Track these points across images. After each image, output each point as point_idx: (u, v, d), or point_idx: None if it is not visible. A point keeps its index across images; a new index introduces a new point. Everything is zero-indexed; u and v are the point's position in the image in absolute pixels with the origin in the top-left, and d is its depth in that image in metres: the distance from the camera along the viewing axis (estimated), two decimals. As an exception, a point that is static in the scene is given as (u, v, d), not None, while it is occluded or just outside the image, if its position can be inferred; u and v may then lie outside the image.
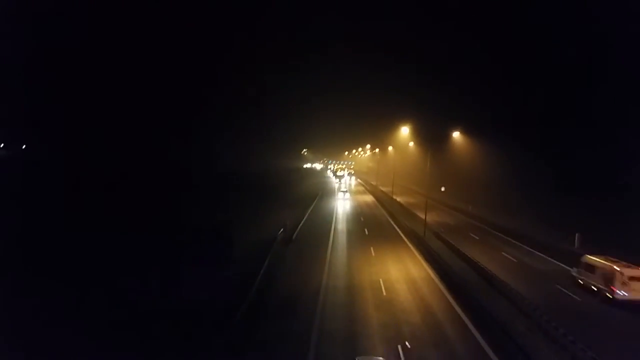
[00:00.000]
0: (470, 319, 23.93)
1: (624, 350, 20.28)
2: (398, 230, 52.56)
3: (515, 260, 38.99)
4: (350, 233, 49.16)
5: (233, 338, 19.88)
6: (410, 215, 62.60)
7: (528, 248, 43.91)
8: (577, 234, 43.48)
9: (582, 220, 45.17)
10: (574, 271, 31.20)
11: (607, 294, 26.94)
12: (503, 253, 41.32)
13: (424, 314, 24.68)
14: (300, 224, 51.28)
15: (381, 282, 30.05)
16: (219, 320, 21.09)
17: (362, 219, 60.33)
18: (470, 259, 35.99)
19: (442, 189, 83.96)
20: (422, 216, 49.49)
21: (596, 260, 28.88)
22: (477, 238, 48.88)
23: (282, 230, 42.61)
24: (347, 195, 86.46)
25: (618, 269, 26.70)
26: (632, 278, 26.14)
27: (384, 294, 27.90)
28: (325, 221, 56.48)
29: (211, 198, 55.85)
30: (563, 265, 36.25)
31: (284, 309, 24.51)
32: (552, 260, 39.12)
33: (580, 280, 30.22)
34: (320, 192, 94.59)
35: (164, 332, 19.56)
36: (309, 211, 63.61)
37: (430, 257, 37.33)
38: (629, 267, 26.94)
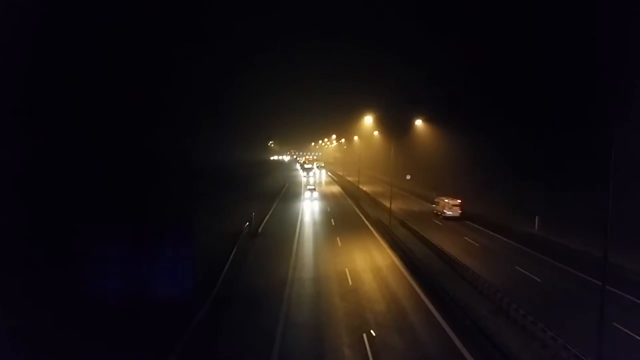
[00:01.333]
0: (434, 304, 24.36)
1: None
2: (364, 219, 52.95)
3: (477, 244, 39.89)
4: (316, 224, 49.21)
5: (198, 331, 19.60)
6: (376, 204, 63.18)
7: (489, 232, 45.01)
8: (537, 217, 44.83)
9: (541, 203, 46.60)
10: (433, 207, 56.46)
11: (444, 214, 52.65)
12: (465, 237, 42.20)
13: (389, 301, 24.95)
14: (267, 217, 51.00)
15: (347, 272, 30.22)
16: (182, 314, 20.73)
17: (328, 209, 60.49)
18: (433, 245, 36.60)
19: (408, 177, 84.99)
20: (388, 205, 49.98)
21: (439, 198, 55.58)
22: (441, 224, 49.73)
23: (247, 223, 42.28)
24: (315, 194, 71.03)
25: (446, 200, 53.14)
26: (453, 205, 52.30)
27: (350, 283, 28.06)
28: (292, 213, 56.36)
29: (176, 190, 54.68)
30: (521, 246, 37.42)
31: (249, 302, 24.33)
32: (511, 242, 40.27)
33: (434, 210, 55.65)
34: (287, 184, 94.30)
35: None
36: (275, 204, 63.33)
37: (396, 245, 37.76)
38: (452, 199, 53.00)
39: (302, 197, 66.10)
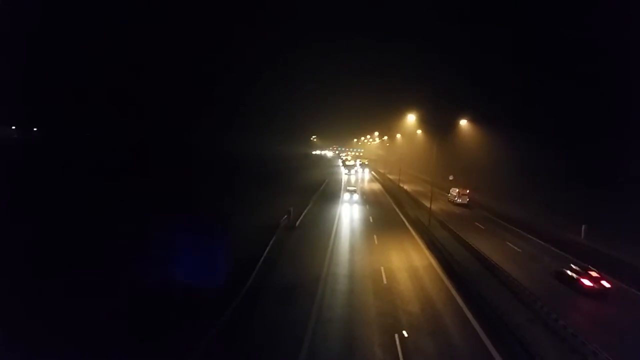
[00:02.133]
0: (470, 309, 23.81)
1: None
2: (403, 218, 52.34)
3: (518, 249, 38.69)
4: (354, 221, 49.03)
5: (232, 321, 19.94)
6: (416, 203, 62.34)
7: (533, 238, 43.57)
8: (583, 226, 43.06)
9: (589, 210, 44.72)
10: (449, 196, 66.39)
11: (455, 201, 64.06)
12: (507, 243, 41.01)
13: (424, 303, 24.58)
14: (305, 211, 51.23)
15: (382, 270, 29.97)
16: (218, 304, 21.13)
17: (367, 206, 60.14)
18: (473, 249, 35.78)
19: (450, 177, 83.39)
20: (428, 204, 49.20)
21: (453, 188, 66.41)
22: (483, 227, 48.54)
23: (286, 216, 42.62)
24: (356, 197, 63.33)
25: (457, 190, 64.76)
26: (462, 194, 63.72)
27: (385, 282, 27.83)
28: (330, 208, 56.38)
29: (219, 185, 55.79)
30: (566, 255, 36.04)
31: (284, 295, 24.51)
32: (556, 250, 38.83)
33: (449, 199, 66.19)
34: (327, 180, 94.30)
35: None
36: (315, 198, 63.49)
37: (434, 246, 37.15)
38: (463, 189, 64.21)
39: (340, 200, 62.66)
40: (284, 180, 78.63)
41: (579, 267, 29.06)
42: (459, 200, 63.57)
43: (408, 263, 32.63)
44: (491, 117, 67.30)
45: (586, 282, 27.23)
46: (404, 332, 20.52)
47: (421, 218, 47.83)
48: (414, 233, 43.67)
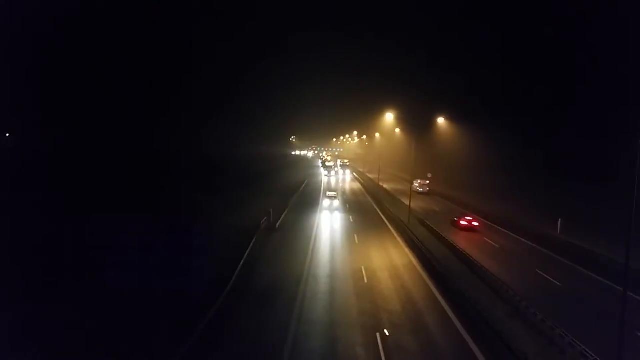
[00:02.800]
0: (450, 307, 24.00)
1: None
2: (383, 217, 52.59)
3: (497, 245, 39.23)
4: (334, 221, 49.05)
5: (212, 325, 19.70)
6: (396, 202, 62.69)
7: (510, 233, 44.23)
8: (559, 220, 43.85)
9: (566, 205, 45.59)
10: (413, 187, 61.58)
11: (417, 189, 72.29)
12: (485, 238, 41.53)
13: (405, 301, 24.69)
14: (285, 212, 51.05)
15: (363, 270, 30.02)
16: (199, 307, 20.87)
17: (347, 205, 60.25)
18: (452, 245, 36.13)
19: (429, 175, 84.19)
20: (408, 203, 49.52)
21: (415, 180, 73.40)
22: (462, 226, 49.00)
23: (265, 218, 42.40)
24: (337, 203, 57.42)
25: (419, 181, 76.82)
26: (422, 184, 76.63)
27: (366, 281, 27.87)
28: (310, 209, 56.33)
29: (197, 187, 55.30)
30: (541, 249, 36.74)
31: (265, 297, 24.35)
32: (532, 244, 39.54)
33: (414, 188, 65.20)
34: (307, 180, 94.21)
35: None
36: (294, 198, 63.35)
37: (413, 244, 37.38)
38: (423, 180, 77.44)
39: (319, 204, 59.13)
40: (263, 182, 78.30)
41: (461, 215, 47.67)
42: (420, 190, 75.86)
43: (389, 262, 32.77)
44: (468, 114, 68.21)
45: (462, 222, 44.66)
46: (386, 331, 20.56)
47: (401, 216, 48.10)
48: (394, 231, 43.89)
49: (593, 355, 16.83)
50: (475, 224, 43.07)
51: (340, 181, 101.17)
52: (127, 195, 40.01)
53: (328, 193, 59.78)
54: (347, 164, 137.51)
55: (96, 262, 24.14)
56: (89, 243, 26.29)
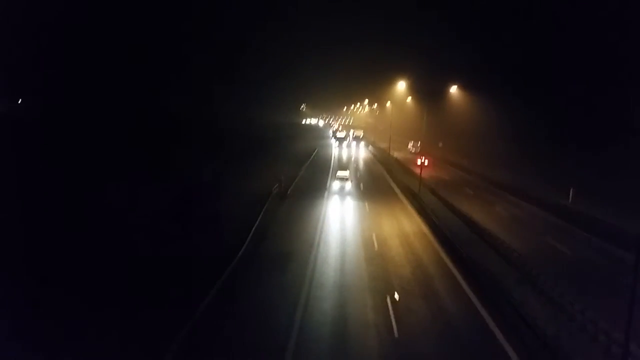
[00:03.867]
0: (460, 273, 24.24)
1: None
2: (393, 185, 52.62)
3: (507, 214, 39.22)
4: (345, 188, 49.09)
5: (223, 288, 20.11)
6: (406, 171, 62.56)
7: (522, 202, 44.13)
8: (571, 189, 43.58)
9: (578, 174, 45.22)
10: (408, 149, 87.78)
11: (411, 150, 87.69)
12: (496, 207, 41.54)
13: (415, 267, 24.97)
14: (296, 180, 51.23)
15: (374, 237, 30.27)
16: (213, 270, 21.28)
17: (358, 174, 60.28)
18: (462, 214, 36.19)
19: (440, 144, 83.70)
20: (418, 172, 49.42)
21: (410, 142, 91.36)
22: (472, 193, 49.03)
23: (277, 185, 42.63)
24: (349, 186, 45.89)
25: (412, 143, 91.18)
26: (414, 145, 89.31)
27: (376, 248, 28.15)
28: (321, 176, 56.43)
29: (206, 153, 55.42)
30: (551, 217, 36.79)
31: (278, 261, 24.75)
32: (543, 213, 39.50)
33: (409, 150, 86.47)
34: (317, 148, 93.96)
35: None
36: (305, 167, 63.42)
37: (424, 213, 37.49)
38: (416, 142, 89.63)
39: (329, 177, 51.83)
40: (275, 150, 78.29)
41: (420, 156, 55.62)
42: (413, 150, 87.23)
43: (399, 229, 32.98)
44: (482, 83, 67.10)
45: (418, 161, 48.58)
46: (396, 295, 20.89)
47: (411, 185, 48.10)
48: (404, 200, 43.98)
49: (601, 323, 17.05)
50: (426, 162, 49.76)
51: (351, 151, 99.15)
52: (135, 160, 40.22)
53: (339, 172, 48.07)
54: (361, 136, 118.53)
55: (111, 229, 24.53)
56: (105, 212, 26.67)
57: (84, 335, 14.55)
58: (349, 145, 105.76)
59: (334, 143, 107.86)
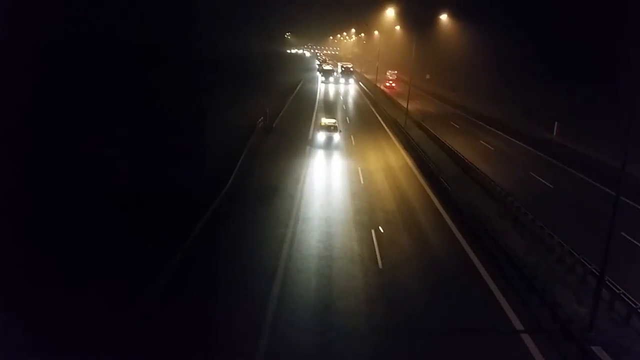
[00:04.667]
0: (444, 206, 24.64)
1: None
2: (380, 119, 52.25)
3: (492, 148, 39.49)
4: (333, 140, 48.55)
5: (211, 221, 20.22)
6: (393, 104, 62.02)
7: (506, 136, 44.36)
8: (555, 123, 43.79)
9: (564, 109, 45.21)
10: (386, 76, 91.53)
11: (389, 77, 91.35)
12: (481, 141, 41.73)
13: (399, 201, 25.29)
14: (281, 113, 50.46)
15: (359, 171, 30.37)
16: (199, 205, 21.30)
17: (344, 107, 59.59)
18: (447, 147, 36.31)
19: (427, 76, 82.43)
20: (405, 104, 48.97)
21: (388, 72, 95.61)
22: (458, 127, 49.02)
23: (262, 118, 41.94)
24: (337, 138, 37.24)
25: (389, 71, 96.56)
26: (392, 73, 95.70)
27: (362, 182, 28.31)
28: (307, 109, 55.66)
29: (185, 81, 53.63)
30: (536, 152, 37.22)
31: (264, 195, 24.85)
32: (528, 147, 39.86)
33: (386, 78, 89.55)
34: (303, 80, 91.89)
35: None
36: (290, 100, 62.30)
37: (410, 146, 37.53)
38: (392, 71, 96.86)
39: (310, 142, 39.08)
40: (259, 80, 76.38)
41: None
42: (391, 78, 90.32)
43: (385, 163, 33.09)
44: (472, 10, 64.92)
45: (387, 83, 71.19)
46: (380, 228, 21.26)
47: (398, 118, 47.79)
48: (390, 133, 43.86)
49: (579, 254, 17.64)
50: (394, 85, 57.46)
51: (343, 95, 77.08)
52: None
53: (323, 119, 40.39)
54: (351, 68, 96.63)
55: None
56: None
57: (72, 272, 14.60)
58: (337, 81, 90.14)
59: (319, 78, 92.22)
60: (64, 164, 18.30)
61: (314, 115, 51.14)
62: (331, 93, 74.92)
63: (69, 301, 12.54)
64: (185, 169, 24.96)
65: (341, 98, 67.17)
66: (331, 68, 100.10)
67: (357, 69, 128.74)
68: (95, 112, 19.91)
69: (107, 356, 11.42)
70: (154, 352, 12.23)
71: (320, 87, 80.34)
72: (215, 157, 29.02)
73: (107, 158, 20.95)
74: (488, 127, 49.03)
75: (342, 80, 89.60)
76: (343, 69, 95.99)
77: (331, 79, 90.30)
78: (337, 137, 37.14)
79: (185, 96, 29.37)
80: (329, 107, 52.27)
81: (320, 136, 37.42)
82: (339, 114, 53.12)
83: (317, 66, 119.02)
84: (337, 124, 39.59)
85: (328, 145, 37.03)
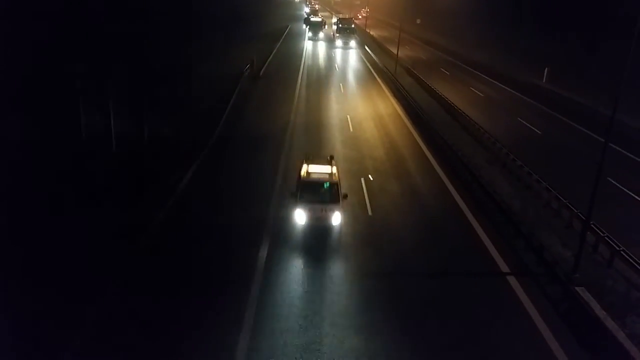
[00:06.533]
0: (433, 154, 24.61)
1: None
2: (369, 66, 51.24)
3: (482, 94, 39.17)
4: (320, 69, 47.74)
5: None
6: (383, 50, 60.70)
7: (496, 82, 43.93)
8: (546, 68, 43.34)
9: (554, 56, 44.64)
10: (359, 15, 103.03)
11: (362, 14, 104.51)
12: (471, 88, 41.31)
13: (388, 149, 25.17)
14: (269, 59, 49.25)
15: (349, 119, 30.05)
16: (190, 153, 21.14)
17: (332, 54, 58.22)
18: (437, 95, 35.94)
19: (418, 21, 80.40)
20: (395, 51, 47.96)
21: (362, 10, 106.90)
22: (448, 73, 48.36)
23: (248, 65, 40.96)
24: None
25: (363, 9, 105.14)
26: (365, 11, 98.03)
27: (351, 130, 28.06)
28: (295, 55, 54.32)
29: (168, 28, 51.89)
30: (525, 98, 37.13)
31: (254, 143, 24.63)
32: (517, 93, 39.64)
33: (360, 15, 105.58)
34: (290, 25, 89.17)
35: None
36: (278, 45, 60.65)
37: (399, 94, 37.07)
38: (364, 10, 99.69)
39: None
40: (246, 27, 73.99)
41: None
42: (364, 14, 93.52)
43: (374, 111, 32.71)
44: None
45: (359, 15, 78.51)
46: (370, 176, 21.25)
47: (387, 65, 46.91)
48: (380, 81, 43.16)
49: (566, 199, 17.87)
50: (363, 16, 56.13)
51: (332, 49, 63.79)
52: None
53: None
54: (353, 26, 68.13)
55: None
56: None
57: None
58: (331, 42, 67.91)
59: (306, 33, 72.69)
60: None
61: (303, 58, 50.01)
62: (320, 51, 62.00)
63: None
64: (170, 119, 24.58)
65: (329, 51, 65.13)
66: (321, 20, 76.30)
67: (345, 15, 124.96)
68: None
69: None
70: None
71: (307, 47, 61.82)
72: (203, 105, 28.51)
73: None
74: (478, 73, 48.43)
75: (338, 41, 64.56)
76: (340, 25, 66.82)
77: (321, 34, 71.77)
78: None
79: (172, 46, 28.39)
80: (318, 67, 50.95)
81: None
82: (328, 63, 52.00)
83: (305, 15, 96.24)
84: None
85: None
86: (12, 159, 14.87)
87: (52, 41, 16.63)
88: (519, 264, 15.04)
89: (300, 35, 72.19)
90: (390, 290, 13.50)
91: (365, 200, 18.87)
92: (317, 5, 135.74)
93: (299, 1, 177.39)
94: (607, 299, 13.29)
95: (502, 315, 12.80)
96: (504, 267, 14.84)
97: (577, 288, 13.26)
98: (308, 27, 74.11)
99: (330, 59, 54.05)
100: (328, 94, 36.80)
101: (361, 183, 20.49)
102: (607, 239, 15.19)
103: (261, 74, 42.19)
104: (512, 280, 14.19)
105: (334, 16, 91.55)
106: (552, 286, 13.74)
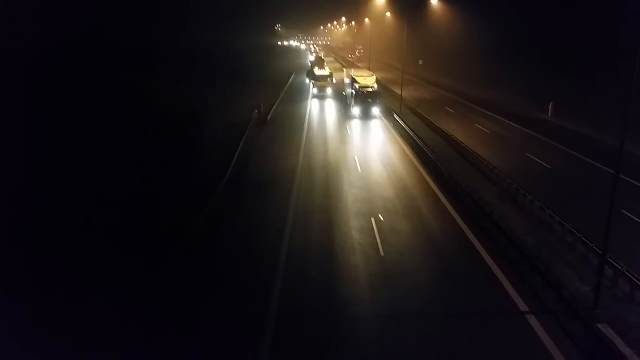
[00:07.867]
0: (442, 192, 24.53)
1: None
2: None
3: (487, 131, 39.39)
4: (326, 112, 48.45)
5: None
6: (387, 91, 61.64)
7: (502, 119, 44.23)
8: (550, 104, 43.72)
9: (558, 91, 45.13)
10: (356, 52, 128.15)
11: (356, 54, 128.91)
12: (477, 125, 41.59)
13: (398, 188, 25.17)
14: (275, 105, 50.13)
15: (357, 160, 30.24)
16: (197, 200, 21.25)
17: (338, 95, 59.11)
18: (444, 133, 36.19)
19: (420, 62, 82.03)
20: (399, 92, 48.71)
21: (356, 50, 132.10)
22: (453, 111, 48.84)
23: (256, 111, 41.74)
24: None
25: (357, 47, 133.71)
26: (358, 49, 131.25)
27: (359, 171, 28.19)
28: (301, 99, 55.27)
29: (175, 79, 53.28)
30: (532, 133, 37.25)
31: (262, 188, 24.74)
32: (523, 128, 39.81)
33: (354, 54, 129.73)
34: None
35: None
36: (283, 93, 61.88)
37: (406, 133, 37.37)
38: (358, 45, 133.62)
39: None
40: (251, 75, 75.87)
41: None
42: (358, 54, 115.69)
43: (382, 151, 32.94)
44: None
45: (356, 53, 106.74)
46: (380, 216, 21.16)
47: (392, 106, 47.54)
48: (385, 121, 43.63)
49: (580, 233, 17.61)
50: (358, 54, 57.18)
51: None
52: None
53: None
54: (377, 88, 45.68)
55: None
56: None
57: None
58: (332, 94, 57.48)
59: (312, 90, 59.18)
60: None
61: (308, 105, 50.75)
62: (325, 91, 57.47)
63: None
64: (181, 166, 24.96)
65: (334, 91, 66.06)
66: (326, 73, 59.82)
67: (349, 58, 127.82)
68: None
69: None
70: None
71: (312, 110, 49.52)
72: (212, 153, 28.90)
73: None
74: (482, 110, 48.87)
75: (354, 109, 44.61)
76: (359, 90, 44.51)
77: (327, 91, 57.39)
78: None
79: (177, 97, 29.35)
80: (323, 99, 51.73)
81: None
82: (333, 104, 52.82)
83: (309, 64, 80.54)
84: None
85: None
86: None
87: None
88: (537, 301, 14.67)
89: (304, 85, 72.84)
90: (407, 331, 13.18)
91: (376, 240, 18.71)
92: (322, 53, 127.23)
93: (305, 49, 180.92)
94: (632, 335, 12.85)
95: (524, 357, 12.40)
96: (522, 305, 14.48)
97: (599, 325, 12.87)
98: (311, 79, 61.29)
99: (335, 99, 54.53)
100: (335, 136, 37.14)
101: (372, 223, 20.37)
102: (626, 273, 14.85)
103: (269, 119, 42.80)
104: (532, 320, 13.80)
105: (343, 68, 77.72)
106: (573, 324, 13.35)
